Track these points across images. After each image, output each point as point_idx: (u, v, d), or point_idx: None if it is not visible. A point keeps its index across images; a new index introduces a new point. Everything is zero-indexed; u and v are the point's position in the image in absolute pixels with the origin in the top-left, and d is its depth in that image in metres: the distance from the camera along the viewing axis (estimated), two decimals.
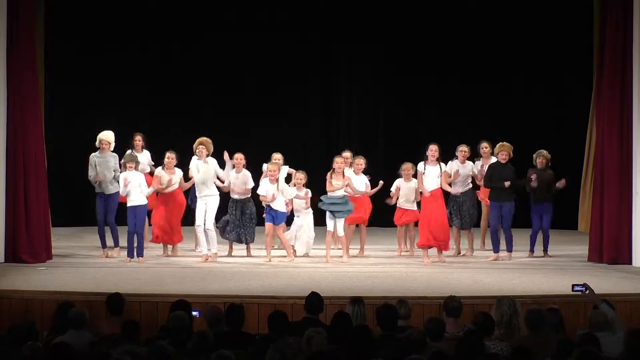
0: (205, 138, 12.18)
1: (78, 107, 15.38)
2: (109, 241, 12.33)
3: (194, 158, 12.24)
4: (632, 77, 11.67)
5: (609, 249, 11.83)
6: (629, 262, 11.73)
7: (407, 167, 12.33)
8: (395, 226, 12.81)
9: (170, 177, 12.25)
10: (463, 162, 12.47)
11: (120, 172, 12.17)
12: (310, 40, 15.81)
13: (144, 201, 12.03)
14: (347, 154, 12.62)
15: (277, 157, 12.60)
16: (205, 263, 11.82)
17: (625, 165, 11.78)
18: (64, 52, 15.12)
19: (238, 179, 12.26)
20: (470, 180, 12.58)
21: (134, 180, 11.93)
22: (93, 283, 10.24)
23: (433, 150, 11.92)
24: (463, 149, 12.48)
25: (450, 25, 15.63)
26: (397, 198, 12.50)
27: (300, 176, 12.30)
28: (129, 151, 12.56)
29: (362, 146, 15.28)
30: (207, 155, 12.10)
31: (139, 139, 12.92)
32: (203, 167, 12.05)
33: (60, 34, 14.92)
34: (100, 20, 15.34)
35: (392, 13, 15.75)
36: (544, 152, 12.53)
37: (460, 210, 12.47)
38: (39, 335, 7.34)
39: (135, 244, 11.98)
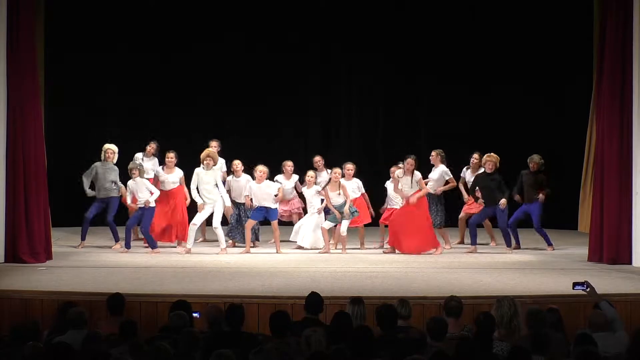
0: (212, 150, 12.93)
1: (78, 108, 15.41)
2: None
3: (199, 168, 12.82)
4: (632, 77, 11.67)
5: (609, 249, 11.83)
6: (629, 262, 11.73)
7: (393, 170, 12.97)
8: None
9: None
10: (437, 166, 13.28)
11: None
12: (310, 51, 15.90)
13: (153, 204, 12.72)
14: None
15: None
16: (206, 262, 11.88)
17: (625, 165, 11.78)
18: (64, 52, 15.14)
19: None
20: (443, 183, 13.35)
21: (140, 188, 12.66)
22: (93, 283, 10.24)
23: (409, 164, 12.65)
24: (432, 154, 13.28)
25: (450, 29, 15.68)
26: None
27: (312, 174, 13.17)
28: (137, 161, 13.20)
29: (362, 153, 15.36)
30: (213, 166, 12.80)
31: (152, 146, 13.63)
32: (207, 178, 12.69)
33: (60, 34, 14.93)
34: (101, 22, 15.39)
35: (392, 22, 15.80)
36: (536, 157, 13.17)
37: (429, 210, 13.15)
38: (40, 335, 7.34)
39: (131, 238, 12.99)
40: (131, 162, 13.01)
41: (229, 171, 13.44)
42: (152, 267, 11.55)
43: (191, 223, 12.76)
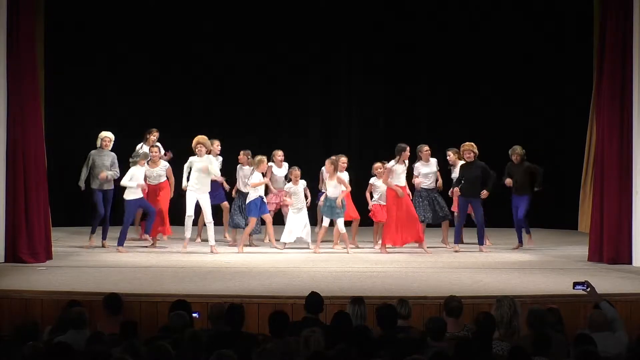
0: (203, 136, 12.86)
1: (78, 108, 15.41)
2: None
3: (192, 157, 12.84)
4: (632, 77, 11.67)
5: (609, 249, 11.83)
6: (629, 262, 11.73)
7: (378, 165, 13.09)
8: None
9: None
10: (427, 161, 13.20)
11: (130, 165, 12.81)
12: (310, 51, 15.90)
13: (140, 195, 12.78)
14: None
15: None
16: (206, 262, 11.88)
17: (625, 165, 11.78)
18: (64, 52, 15.15)
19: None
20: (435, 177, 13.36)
21: (141, 176, 12.67)
22: (93, 283, 10.23)
23: (408, 151, 12.80)
24: (425, 149, 13.22)
25: (451, 29, 15.69)
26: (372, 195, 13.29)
27: (297, 173, 13.08)
28: (143, 150, 13.12)
29: (362, 153, 15.39)
30: (206, 153, 12.79)
31: (155, 135, 13.40)
32: (199, 165, 12.62)
33: (60, 34, 14.94)
34: (101, 22, 15.40)
35: (392, 22, 15.81)
36: (518, 148, 13.14)
37: (434, 205, 13.16)
38: (40, 335, 7.34)
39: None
40: (143, 154, 12.87)
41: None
42: (152, 267, 11.54)
43: (187, 215, 12.67)
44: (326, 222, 12.88)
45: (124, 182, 12.60)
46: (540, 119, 15.58)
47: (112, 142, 13.00)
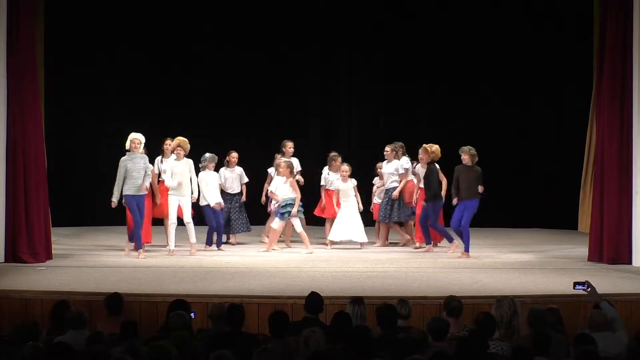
0: (183, 138, 12.57)
1: (78, 108, 15.42)
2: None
3: (171, 158, 12.60)
4: (632, 77, 11.67)
5: (609, 249, 11.83)
6: (629, 262, 11.73)
7: (380, 165, 13.31)
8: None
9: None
10: (389, 161, 13.15)
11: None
12: (310, 51, 15.90)
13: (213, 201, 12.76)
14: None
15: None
16: (206, 262, 11.88)
17: (625, 165, 11.78)
18: (64, 53, 15.15)
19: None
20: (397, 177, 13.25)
21: (211, 182, 12.71)
22: (93, 283, 10.24)
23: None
24: (386, 149, 13.17)
25: (450, 29, 15.69)
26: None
27: (345, 168, 13.11)
28: (163, 163, 12.76)
29: (362, 153, 15.37)
30: (184, 156, 12.49)
31: (168, 143, 12.83)
32: (179, 169, 12.42)
33: (60, 34, 14.93)
34: (101, 22, 15.40)
35: (392, 22, 15.81)
36: (466, 148, 12.45)
37: (393, 205, 13.12)
38: (40, 335, 7.34)
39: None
40: (209, 157, 12.78)
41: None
42: (152, 267, 11.54)
43: (169, 222, 12.41)
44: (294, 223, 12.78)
45: (204, 191, 12.61)
46: (540, 119, 15.59)
47: (142, 144, 12.24)
